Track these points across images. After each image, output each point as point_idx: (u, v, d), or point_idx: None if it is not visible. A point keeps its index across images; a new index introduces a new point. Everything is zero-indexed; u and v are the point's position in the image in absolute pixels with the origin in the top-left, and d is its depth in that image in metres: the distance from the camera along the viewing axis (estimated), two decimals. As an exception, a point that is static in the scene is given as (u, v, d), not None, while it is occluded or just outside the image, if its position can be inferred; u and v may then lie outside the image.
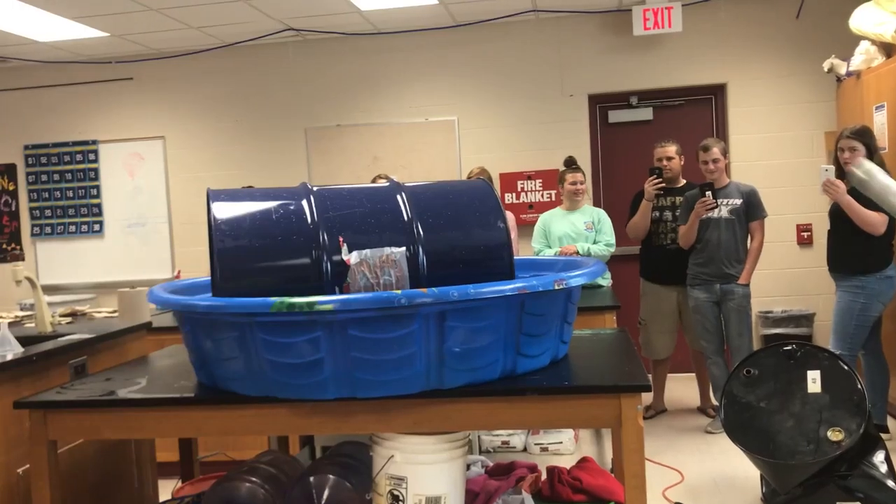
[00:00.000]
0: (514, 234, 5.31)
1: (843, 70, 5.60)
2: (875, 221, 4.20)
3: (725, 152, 5.02)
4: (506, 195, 6.51)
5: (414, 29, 6.54)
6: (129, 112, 7.09)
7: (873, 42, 5.27)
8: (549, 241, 5.15)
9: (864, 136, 4.38)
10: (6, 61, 6.87)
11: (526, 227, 5.70)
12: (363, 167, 6.70)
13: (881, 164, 4.36)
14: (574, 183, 5.17)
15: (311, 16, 6.09)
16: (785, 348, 3.50)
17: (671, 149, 5.20)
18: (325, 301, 1.91)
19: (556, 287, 2.05)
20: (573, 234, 5.09)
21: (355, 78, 6.78)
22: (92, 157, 7.15)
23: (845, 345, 4.29)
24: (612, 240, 5.06)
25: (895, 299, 4.45)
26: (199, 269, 6.11)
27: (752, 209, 4.89)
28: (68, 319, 4.20)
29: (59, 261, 7.24)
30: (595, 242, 5.03)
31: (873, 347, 4.51)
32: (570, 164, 5.30)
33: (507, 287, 1.98)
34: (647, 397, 5.40)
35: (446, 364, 2.00)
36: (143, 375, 2.53)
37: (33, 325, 3.74)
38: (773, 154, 6.22)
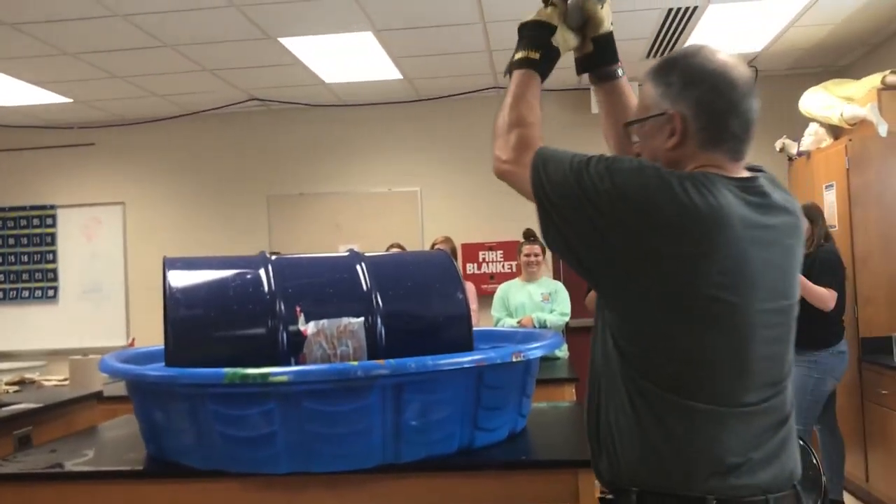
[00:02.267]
0: (473, 305, 5.31)
1: (794, 150, 5.79)
2: (824, 297, 4.27)
3: None
4: (467, 265, 6.54)
5: (378, 102, 6.64)
6: (90, 177, 7.05)
7: (822, 124, 5.47)
8: (509, 310, 5.18)
9: (809, 211, 4.51)
10: (-35, 124, 6.82)
11: (487, 298, 5.73)
12: (325, 235, 6.70)
13: (825, 238, 4.47)
14: (529, 255, 5.24)
15: (277, 87, 6.16)
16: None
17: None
18: (279, 372, 1.88)
19: (515, 359, 2.05)
20: (530, 304, 5.12)
21: (319, 147, 6.84)
22: (49, 221, 7.06)
23: (800, 419, 4.30)
24: (568, 309, 5.09)
25: (848, 374, 4.52)
26: (154, 336, 5.99)
27: None
28: (16, 388, 4.08)
29: (10, 326, 7.06)
30: (551, 312, 5.07)
31: (829, 422, 4.55)
32: (528, 236, 5.37)
33: (466, 359, 1.98)
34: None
35: (403, 437, 1.97)
36: (90, 447, 2.45)
37: (-22, 393, 3.62)
38: (728, 229, 6.35)
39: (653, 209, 1.37)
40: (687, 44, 5.45)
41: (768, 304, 1.44)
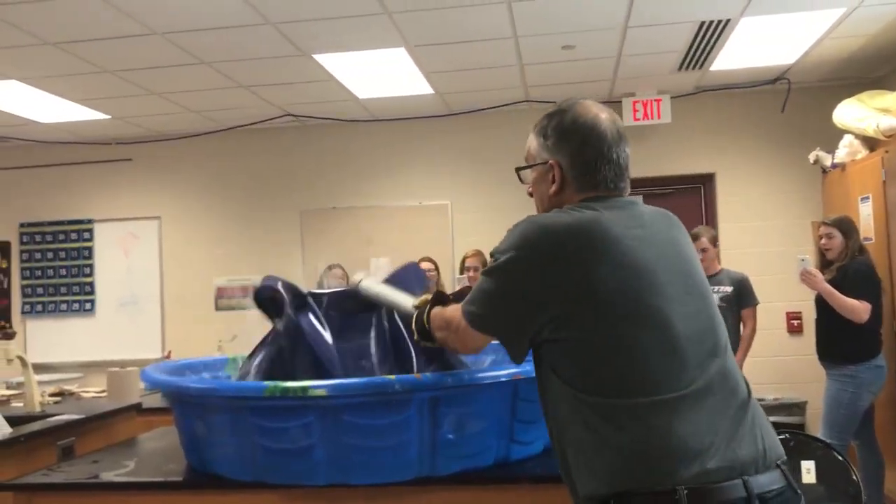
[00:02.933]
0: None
1: (828, 162, 5.73)
2: (856, 309, 4.22)
3: (716, 241, 5.10)
4: (498, 279, 6.55)
5: (410, 117, 6.69)
6: (127, 192, 7.17)
7: (857, 136, 5.41)
8: None
9: (842, 224, 4.47)
10: (7, 141, 6.97)
11: (518, 312, 5.72)
12: (357, 249, 6.75)
13: (859, 251, 4.42)
14: None
15: (310, 103, 6.23)
16: (779, 437, 3.48)
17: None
18: (318, 386, 1.91)
19: (550, 374, 2.06)
20: None
21: (351, 161, 6.89)
22: (87, 235, 7.19)
23: (835, 433, 4.26)
24: None
25: (886, 388, 4.45)
26: (188, 348, 6.07)
27: (743, 297, 4.93)
28: (56, 399, 4.16)
29: (48, 339, 7.18)
30: None
31: (867, 438, 4.48)
32: None
33: (502, 373, 2.00)
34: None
35: (440, 450, 1.99)
36: (131, 458, 2.50)
37: (21, 404, 3.70)
38: (762, 242, 6.30)
39: (541, 248, 1.53)
40: (718, 57, 5.45)
41: (674, 287, 1.54)
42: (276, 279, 2.32)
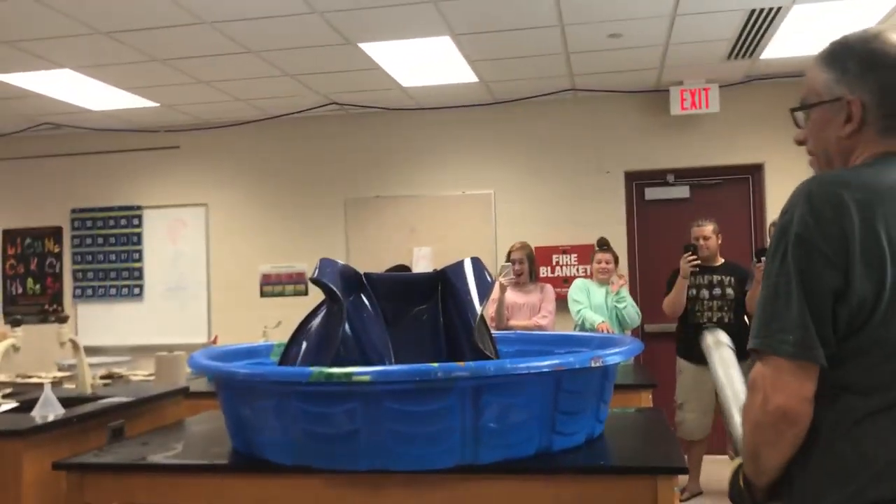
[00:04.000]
0: (551, 307, 5.32)
1: (881, 153, 5.60)
2: None
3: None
4: (540, 268, 6.52)
5: (453, 105, 6.68)
6: (175, 179, 7.28)
7: (912, 126, 5.27)
8: (590, 304, 5.24)
9: None
10: (59, 128, 7.13)
11: (560, 301, 5.68)
12: (400, 238, 6.78)
13: None
14: (600, 262, 5.32)
15: (355, 91, 6.26)
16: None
17: (708, 228, 5.20)
18: (361, 372, 1.93)
19: (593, 365, 2.05)
20: (603, 308, 5.21)
21: (395, 150, 6.91)
22: (136, 222, 7.32)
23: None
24: (632, 318, 5.27)
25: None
26: (234, 334, 6.17)
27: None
28: (106, 381, 4.26)
29: (98, 322, 7.34)
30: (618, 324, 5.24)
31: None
32: (602, 245, 5.43)
33: (544, 364, 1.99)
34: (682, 479, 5.27)
35: (482, 439, 1.99)
36: (179, 441, 2.55)
37: (73, 386, 3.80)
38: (811, 235, 6.17)
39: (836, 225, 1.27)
40: (770, 45, 5.34)
41: None
42: (334, 262, 2.35)
